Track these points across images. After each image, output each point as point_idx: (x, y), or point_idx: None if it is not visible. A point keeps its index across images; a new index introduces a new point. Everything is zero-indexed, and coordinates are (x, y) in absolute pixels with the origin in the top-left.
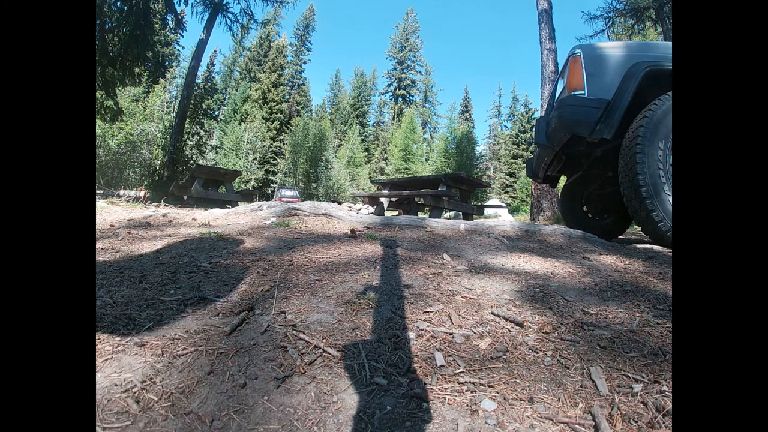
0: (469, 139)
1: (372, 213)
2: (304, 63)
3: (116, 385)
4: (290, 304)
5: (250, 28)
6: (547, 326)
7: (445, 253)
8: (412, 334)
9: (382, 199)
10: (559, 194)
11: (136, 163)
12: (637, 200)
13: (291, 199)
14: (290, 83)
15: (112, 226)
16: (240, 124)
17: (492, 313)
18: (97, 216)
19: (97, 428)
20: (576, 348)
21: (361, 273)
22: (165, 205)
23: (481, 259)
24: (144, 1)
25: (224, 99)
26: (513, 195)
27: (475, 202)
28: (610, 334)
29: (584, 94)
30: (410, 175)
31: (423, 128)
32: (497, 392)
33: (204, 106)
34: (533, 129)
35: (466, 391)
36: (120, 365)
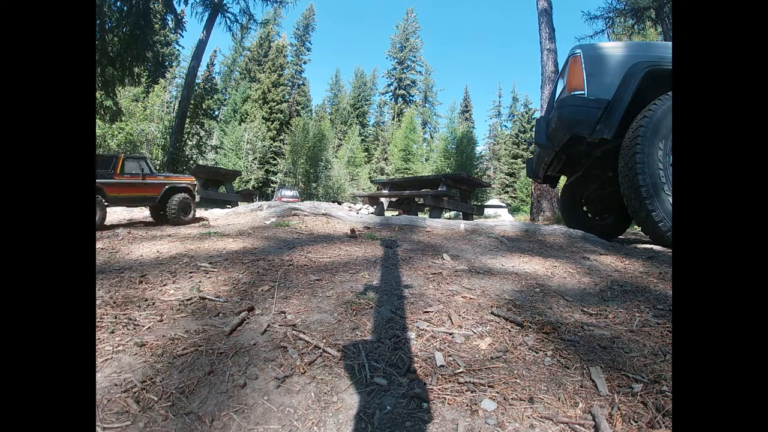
0: (469, 139)
1: (372, 213)
2: (304, 63)
3: (116, 385)
4: (290, 304)
5: (250, 28)
6: (547, 326)
7: (445, 253)
8: (412, 334)
9: (382, 199)
10: (559, 194)
11: None
12: (637, 200)
13: (291, 199)
14: (290, 83)
15: (113, 226)
16: (240, 124)
17: (492, 313)
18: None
19: (97, 428)
20: (576, 348)
21: (361, 273)
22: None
23: (481, 259)
24: (144, 1)
25: (224, 99)
26: (513, 195)
27: (475, 202)
28: (610, 334)
29: (584, 94)
30: (410, 175)
31: (423, 128)
32: (497, 392)
33: (204, 106)
34: (533, 129)
35: (466, 391)
36: (120, 365)
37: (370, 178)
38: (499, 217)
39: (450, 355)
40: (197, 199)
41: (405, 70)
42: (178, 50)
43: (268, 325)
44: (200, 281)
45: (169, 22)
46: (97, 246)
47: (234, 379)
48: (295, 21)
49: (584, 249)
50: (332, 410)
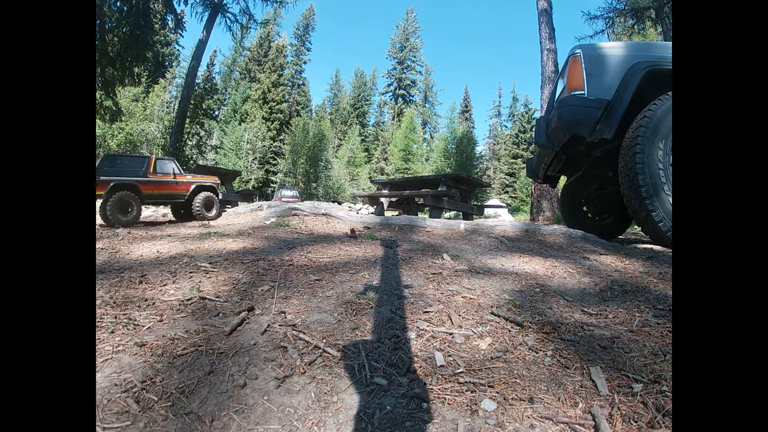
0: (469, 139)
1: (372, 213)
2: (304, 63)
3: (116, 385)
4: (290, 304)
5: (250, 28)
6: (547, 326)
7: (445, 253)
8: (412, 334)
9: (382, 199)
10: (559, 194)
11: None
12: (637, 200)
13: (291, 199)
14: (290, 83)
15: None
16: (240, 124)
17: (492, 313)
18: (98, 216)
19: (97, 428)
20: (576, 348)
21: (361, 273)
22: (164, 206)
23: (481, 259)
24: (144, 1)
25: (224, 99)
26: (513, 195)
27: (475, 202)
28: (610, 334)
29: (584, 94)
30: (410, 175)
31: (423, 128)
32: (497, 392)
33: (204, 106)
34: (533, 129)
35: (466, 391)
36: (120, 365)
37: (370, 178)
38: (499, 217)
39: (450, 355)
40: (219, 196)
41: (405, 70)
42: (178, 50)
43: (268, 325)
44: (200, 281)
45: (169, 22)
46: (97, 246)
47: (234, 379)
48: (295, 21)
49: (584, 249)
50: (332, 410)
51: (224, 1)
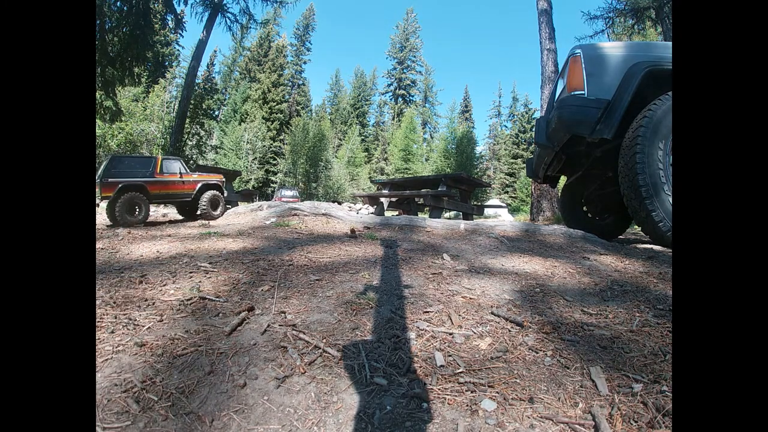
0: (469, 139)
1: (372, 213)
2: (304, 63)
3: (116, 385)
4: (290, 304)
5: (250, 28)
6: (547, 326)
7: (445, 253)
8: (412, 334)
9: (382, 199)
10: (559, 194)
11: None
12: (637, 200)
13: (291, 199)
14: (290, 83)
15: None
16: (240, 124)
17: (492, 313)
18: (98, 216)
19: (97, 428)
20: (576, 348)
21: (361, 273)
22: (165, 205)
23: (481, 259)
24: (144, 1)
25: (224, 99)
26: (513, 195)
27: (475, 202)
28: (610, 334)
29: (584, 94)
30: (410, 175)
31: (423, 128)
32: (497, 392)
33: (204, 106)
34: (533, 129)
35: (466, 391)
36: (120, 365)
37: (370, 178)
38: (499, 217)
39: (450, 355)
40: (225, 195)
41: (405, 70)
42: (178, 50)
43: (268, 325)
44: (200, 281)
45: (169, 22)
46: (97, 246)
47: (234, 379)
48: (295, 21)
49: (584, 249)
50: (332, 410)
51: (224, 1)
